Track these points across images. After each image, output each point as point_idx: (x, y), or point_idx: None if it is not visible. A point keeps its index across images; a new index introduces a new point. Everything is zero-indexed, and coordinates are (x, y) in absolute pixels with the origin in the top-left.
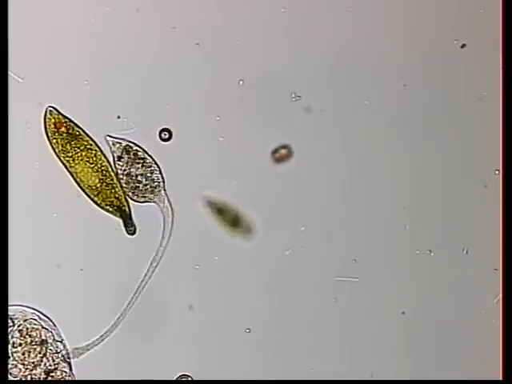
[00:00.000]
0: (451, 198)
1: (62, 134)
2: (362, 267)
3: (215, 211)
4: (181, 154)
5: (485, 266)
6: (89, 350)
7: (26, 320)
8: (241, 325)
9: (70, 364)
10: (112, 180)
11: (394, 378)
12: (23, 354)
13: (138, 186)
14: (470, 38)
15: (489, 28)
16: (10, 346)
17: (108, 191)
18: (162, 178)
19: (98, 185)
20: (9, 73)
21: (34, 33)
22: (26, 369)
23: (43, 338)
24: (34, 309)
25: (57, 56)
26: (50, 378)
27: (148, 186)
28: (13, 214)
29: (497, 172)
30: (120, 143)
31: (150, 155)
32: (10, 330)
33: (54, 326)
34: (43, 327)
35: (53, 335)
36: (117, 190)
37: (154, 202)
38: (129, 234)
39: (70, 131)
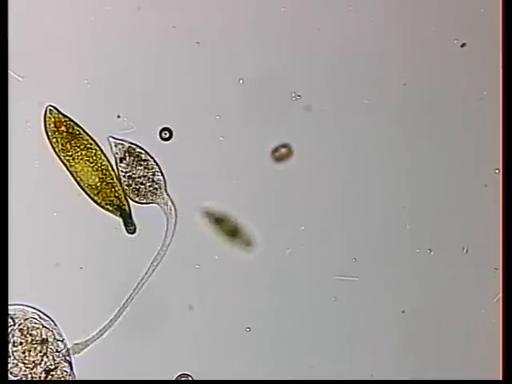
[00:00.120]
0: (451, 197)
1: (61, 133)
2: (362, 266)
3: (214, 222)
4: (181, 153)
5: (485, 265)
6: (88, 345)
7: (26, 319)
8: (241, 323)
9: (70, 363)
10: (112, 179)
11: (394, 377)
12: (23, 352)
13: (140, 188)
14: (470, 38)
15: (489, 27)
16: (10, 345)
17: (108, 190)
18: (164, 178)
19: (98, 184)
20: (9, 72)
21: (34, 31)
22: (27, 368)
23: (44, 336)
24: (34, 308)
25: (57, 55)
26: (50, 378)
27: (150, 188)
28: (13, 213)
29: (497, 171)
30: (122, 144)
31: (152, 157)
32: (10, 329)
33: (55, 325)
34: (44, 326)
35: (53, 334)
36: (117, 189)
37: (156, 203)
38: (129, 233)
39: (70, 130)
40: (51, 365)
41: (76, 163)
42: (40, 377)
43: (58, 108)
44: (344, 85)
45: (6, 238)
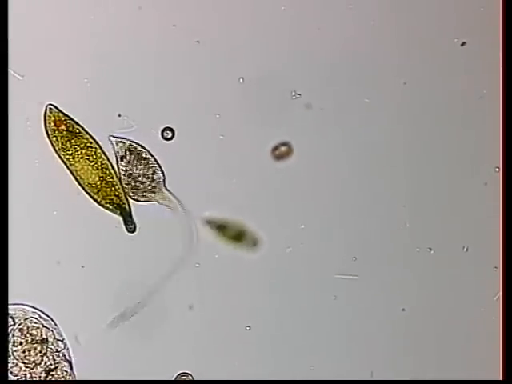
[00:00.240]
0: (451, 195)
1: (61, 132)
2: (362, 265)
3: (216, 229)
4: (181, 151)
5: (485, 263)
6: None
7: (26, 318)
8: (241, 322)
9: (70, 363)
10: (112, 178)
11: (394, 375)
12: (23, 352)
13: (140, 186)
14: (470, 37)
15: (489, 26)
16: (10, 345)
17: (108, 189)
18: (164, 176)
19: (98, 183)
20: (9, 70)
21: (34, 30)
22: (27, 368)
23: (44, 336)
24: (34, 307)
25: (57, 54)
26: (50, 377)
27: (150, 186)
28: (13, 212)
29: (497, 170)
30: (123, 143)
31: (152, 155)
32: (10, 328)
33: (56, 325)
34: (44, 326)
35: (53, 334)
36: (117, 187)
37: (156, 200)
38: (129, 231)
39: (70, 129)
40: (51, 365)
41: (76, 162)
42: (40, 377)
43: (58, 107)
44: (344, 83)
45: (6, 237)
